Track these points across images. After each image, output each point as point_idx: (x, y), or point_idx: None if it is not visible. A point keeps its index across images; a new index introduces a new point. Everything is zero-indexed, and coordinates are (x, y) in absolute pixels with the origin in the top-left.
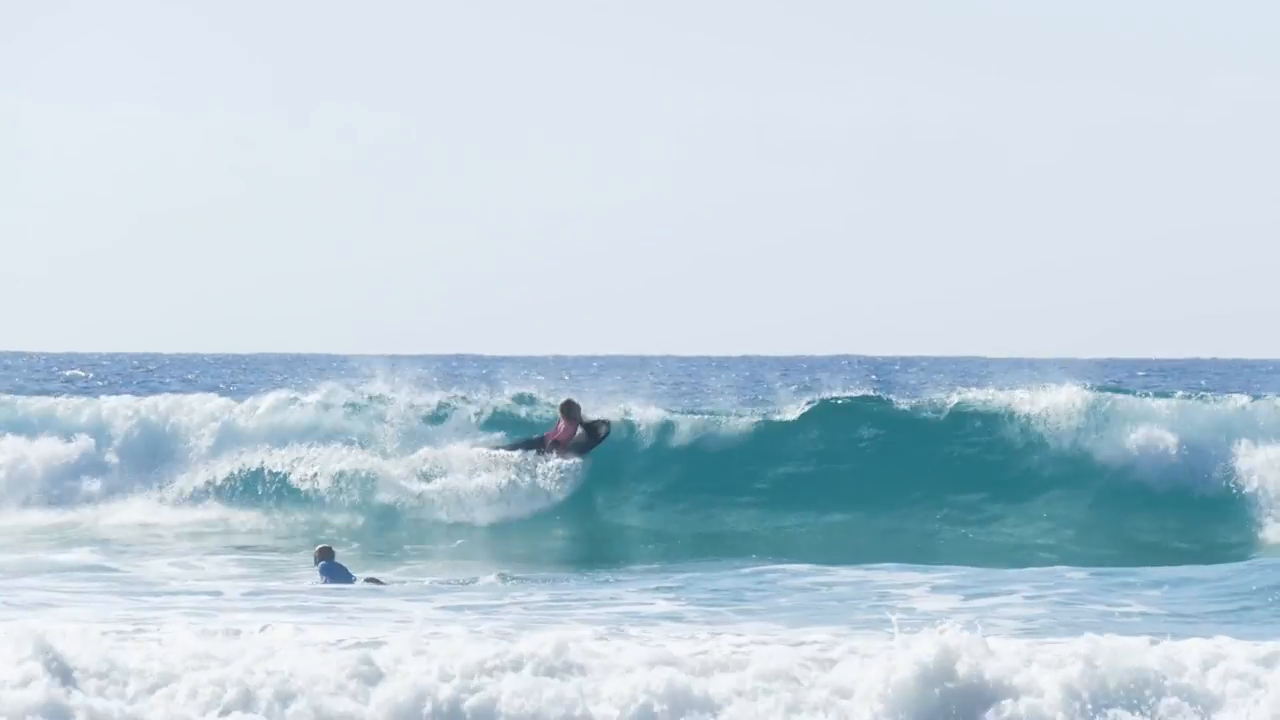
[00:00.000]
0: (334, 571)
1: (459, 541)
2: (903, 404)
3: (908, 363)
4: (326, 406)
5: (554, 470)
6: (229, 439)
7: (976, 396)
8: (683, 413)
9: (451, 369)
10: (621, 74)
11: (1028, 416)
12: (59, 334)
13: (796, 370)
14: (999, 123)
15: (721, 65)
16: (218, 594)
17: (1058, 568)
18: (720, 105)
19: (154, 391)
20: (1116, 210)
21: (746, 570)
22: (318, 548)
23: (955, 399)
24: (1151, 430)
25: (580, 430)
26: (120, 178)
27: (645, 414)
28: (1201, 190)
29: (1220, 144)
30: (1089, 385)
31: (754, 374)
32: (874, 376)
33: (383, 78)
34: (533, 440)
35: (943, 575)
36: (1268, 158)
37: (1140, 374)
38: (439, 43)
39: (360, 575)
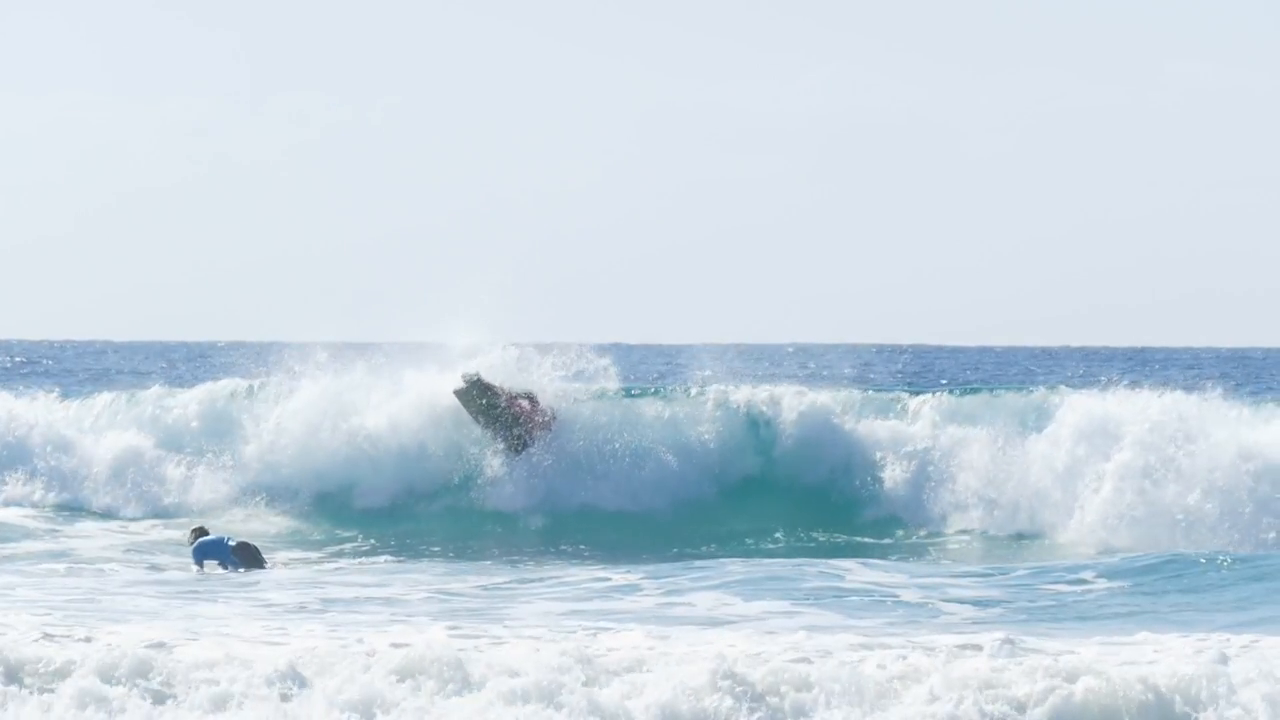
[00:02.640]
0: (208, 548)
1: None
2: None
3: (855, 351)
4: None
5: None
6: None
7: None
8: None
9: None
10: (573, 61)
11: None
12: (7, 322)
13: (740, 357)
14: (954, 110)
15: (673, 52)
16: None
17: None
18: (672, 92)
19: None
20: (1072, 198)
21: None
22: (191, 529)
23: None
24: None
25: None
26: (72, 165)
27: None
28: (1158, 178)
29: (1177, 132)
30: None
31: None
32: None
33: (339, 64)
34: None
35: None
36: (1225, 145)
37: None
38: (395, 29)
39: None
